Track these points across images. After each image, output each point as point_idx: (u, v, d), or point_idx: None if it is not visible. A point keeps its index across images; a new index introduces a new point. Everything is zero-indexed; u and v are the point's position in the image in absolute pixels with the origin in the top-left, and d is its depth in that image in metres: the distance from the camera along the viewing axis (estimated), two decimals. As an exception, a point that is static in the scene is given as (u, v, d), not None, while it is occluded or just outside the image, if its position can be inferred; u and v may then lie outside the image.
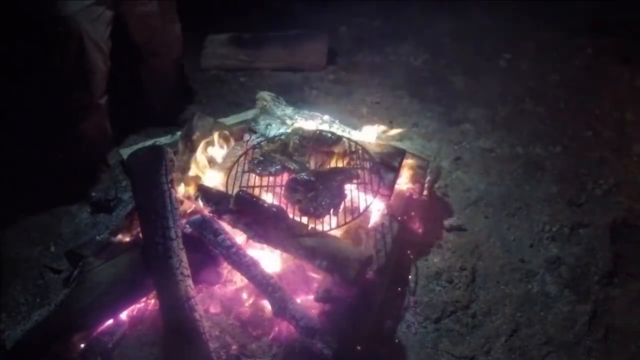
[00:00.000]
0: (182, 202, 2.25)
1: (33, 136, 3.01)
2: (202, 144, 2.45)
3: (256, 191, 2.20)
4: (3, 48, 2.93)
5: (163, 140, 2.86)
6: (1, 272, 2.40)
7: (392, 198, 2.33)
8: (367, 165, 2.28)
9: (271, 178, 2.24)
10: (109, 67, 2.67)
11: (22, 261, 2.47)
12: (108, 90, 2.75)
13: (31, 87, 3.03)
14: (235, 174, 2.29)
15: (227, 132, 2.57)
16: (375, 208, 2.28)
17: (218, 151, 2.53)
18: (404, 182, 2.47)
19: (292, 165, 2.24)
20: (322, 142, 2.33)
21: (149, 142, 2.83)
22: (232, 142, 2.58)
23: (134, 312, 2.11)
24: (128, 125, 3.18)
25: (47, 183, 2.81)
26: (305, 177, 2.16)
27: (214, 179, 2.41)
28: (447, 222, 2.62)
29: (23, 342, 1.85)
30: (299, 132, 2.38)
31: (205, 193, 2.25)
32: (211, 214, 2.20)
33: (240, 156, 2.38)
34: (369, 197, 2.16)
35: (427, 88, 3.70)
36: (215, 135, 2.51)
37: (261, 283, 2.02)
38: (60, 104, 2.69)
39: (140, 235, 2.11)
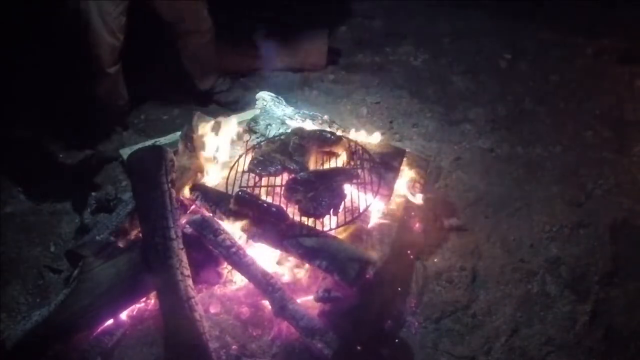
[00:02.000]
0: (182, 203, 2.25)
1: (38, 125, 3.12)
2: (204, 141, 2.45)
3: (256, 191, 2.20)
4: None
5: (163, 140, 2.87)
6: (1, 272, 2.40)
7: (392, 198, 2.33)
8: (367, 165, 2.29)
9: (271, 178, 2.24)
10: (121, 40, 2.81)
11: (22, 261, 2.46)
12: (121, 61, 2.93)
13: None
14: (235, 174, 2.30)
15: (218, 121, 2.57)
16: (375, 208, 2.28)
17: (220, 151, 2.53)
18: (404, 182, 2.46)
19: (292, 165, 2.24)
20: (322, 142, 2.33)
21: (149, 142, 2.83)
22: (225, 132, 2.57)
23: (134, 312, 2.11)
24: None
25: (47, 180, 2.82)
26: (305, 177, 2.16)
27: (214, 179, 2.41)
28: (447, 222, 2.61)
29: (23, 342, 1.85)
30: (299, 132, 2.38)
31: (205, 193, 2.25)
32: (211, 214, 2.20)
33: (240, 156, 2.39)
34: (369, 197, 2.16)
35: (427, 88, 3.69)
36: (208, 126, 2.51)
37: (261, 283, 2.02)
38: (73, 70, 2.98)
39: (140, 235, 2.11)
